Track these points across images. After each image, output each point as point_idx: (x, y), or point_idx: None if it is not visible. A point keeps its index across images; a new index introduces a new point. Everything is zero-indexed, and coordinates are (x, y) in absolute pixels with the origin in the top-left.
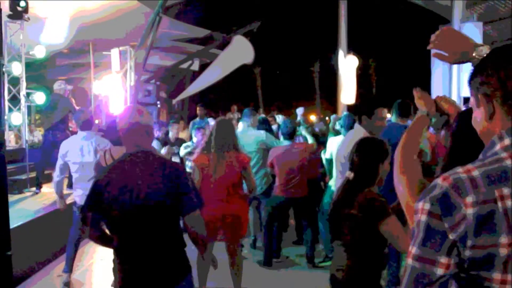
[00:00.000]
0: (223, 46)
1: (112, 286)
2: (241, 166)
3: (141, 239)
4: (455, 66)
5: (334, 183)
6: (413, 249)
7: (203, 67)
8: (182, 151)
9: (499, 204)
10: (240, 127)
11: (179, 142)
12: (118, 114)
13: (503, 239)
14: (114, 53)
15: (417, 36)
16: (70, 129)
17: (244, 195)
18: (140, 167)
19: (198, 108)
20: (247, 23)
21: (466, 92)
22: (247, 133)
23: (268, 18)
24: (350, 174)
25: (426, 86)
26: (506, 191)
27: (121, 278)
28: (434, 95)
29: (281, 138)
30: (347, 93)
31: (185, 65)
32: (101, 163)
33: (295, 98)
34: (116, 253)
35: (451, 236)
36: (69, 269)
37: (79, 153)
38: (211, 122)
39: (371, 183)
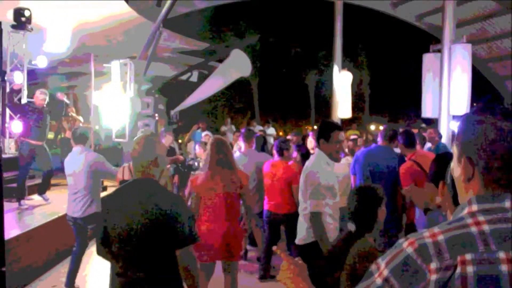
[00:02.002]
0: (221, 59)
1: None
2: (239, 185)
3: (137, 268)
4: (445, 85)
5: None
6: None
7: (202, 78)
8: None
9: (459, 269)
10: (239, 144)
11: (170, 153)
12: (135, 141)
13: None
14: (115, 65)
15: (409, 54)
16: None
17: (240, 214)
18: (139, 197)
19: (200, 123)
20: (245, 37)
21: (455, 110)
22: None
23: (266, 33)
24: (352, 227)
25: (417, 103)
26: (468, 257)
27: None
28: (425, 113)
29: (275, 155)
30: (343, 108)
31: (184, 77)
32: (119, 176)
33: (291, 110)
34: (115, 276)
35: None
36: (69, 283)
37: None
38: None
39: (370, 229)
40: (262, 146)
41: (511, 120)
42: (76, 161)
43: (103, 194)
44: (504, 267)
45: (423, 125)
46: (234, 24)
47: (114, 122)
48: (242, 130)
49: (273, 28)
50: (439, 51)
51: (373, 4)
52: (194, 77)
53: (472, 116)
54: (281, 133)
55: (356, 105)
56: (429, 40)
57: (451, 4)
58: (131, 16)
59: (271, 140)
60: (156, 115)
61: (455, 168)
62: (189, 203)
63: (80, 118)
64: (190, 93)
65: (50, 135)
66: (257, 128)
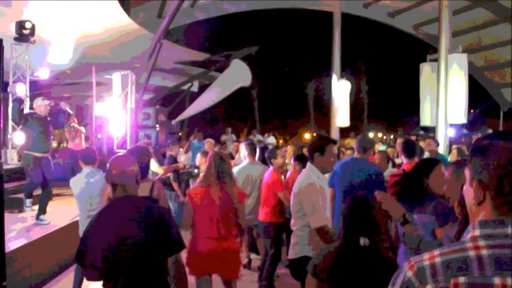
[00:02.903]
0: (222, 69)
1: None
2: (237, 200)
3: (127, 282)
4: (442, 94)
5: None
6: None
7: (203, 88)
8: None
9: None
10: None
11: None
12: (110, 161)
13: None
14: (116, 77)
15: (407, 62)
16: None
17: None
18: (126, 212)
19: (195, 133)
20: (245, 47)
21: (452, 118)
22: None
23: (266, 43)
24: (365, 241)
25: (415, 111)
26: (462, 279)
27: None
28: (423, 122)
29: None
30: (341, 116)
31: (185, 86)
32: (110, 195)
33: (291, 118)
34: None
35: None
36: None
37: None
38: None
39: (366, 235)
40: (263, 156)
41: None
42: (91, 184)
43: None
44: None
45: (421, 132)
46: (234, 34)
47: (116, 132)
48: (244, 143)
49: (273, 38)
50: (436, 60)
51: (371, 14)
52: (195, 87)
53: (483, 139)
54: (281, 141)
55: (355, 113)
56: (426, 49)
57: (447, 14)
58: (132, 28)
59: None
60: (157, 125)
61: (467, 191)
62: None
63: (82, 128)
64: (191, 103)
65: (54, 144)
66: (256, 138)
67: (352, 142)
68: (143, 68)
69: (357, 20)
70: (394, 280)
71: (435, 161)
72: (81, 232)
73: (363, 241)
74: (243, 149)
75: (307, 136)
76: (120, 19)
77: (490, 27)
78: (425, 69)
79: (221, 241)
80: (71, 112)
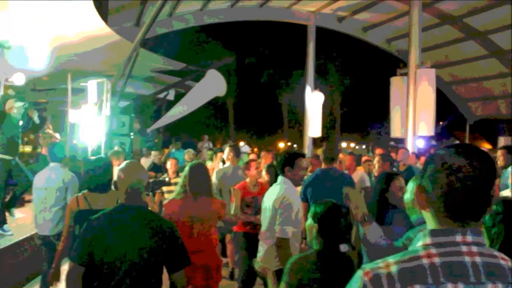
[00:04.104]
0: (198, 78)
1: None
2: (215, 214)
3: None
4: (411, 107)
5: None
6: None
7: (178, 97)
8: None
9: None
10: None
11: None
12: (122, 168)
13: None
14: (91, 84)
15: (379, 76)
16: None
17: (216, 243)
18: (132, 222)
19: (174, 142)
20: (222, 57)
21: (420, 131)
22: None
23: (242, 54)
24: (345, 248)
25: (385, 123)
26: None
27: None
28: (393, 133)
29: None
30: (313, 127)
31: (161, 95)
32: (72, 206)
33: (265, 127)
34: None
35: None
36: None
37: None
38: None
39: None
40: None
41: (463, 157)
42: (53, 177)
43: None
44: None
45: (392, 143)
46: (211, 45)
47: (90, 140)
48: (230, 146)
49: (248, 49)
50: (406, 74)
51: (344, 28)
52: (171, 96)
53: (432, 152)
54: (255, 149)
55: (328, 124)
56: (397, 63)
57: (416, 30)
58: (109, 36)
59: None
60: (132, 133)
61: (417, 200)
62: None
63: (57, 135)
64: (166, 112)
65: (28, 149)
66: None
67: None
68: (119, 76)
69: (331, 34)
70: (349, 285)
71: (392, 175)
72: (38, 227)
73: (343, 247)
74: (227, 151)
75: (281, 145)
76: (97, 27)
77: (457, 43)
78: (395, 82)
79: (200, 255)
80: (36, 119)
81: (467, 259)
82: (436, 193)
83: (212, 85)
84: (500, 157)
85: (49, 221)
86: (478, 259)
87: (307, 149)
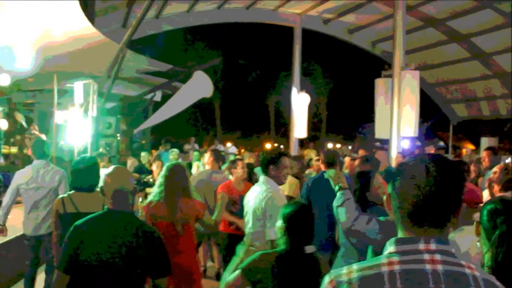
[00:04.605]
0: (184, 79)
1: None
2: (194, 215)
3: None
4: (395, 108)
5: None
6: None
7: (165, 98)
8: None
9: None
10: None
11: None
12: (108, 173)
13: None
14: (78, 86)
15: (365, 77)
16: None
17: (195, 245)
18: (118, 228)
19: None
20: (209, 59)
21: (404, 131)
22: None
23: (228, 55)
24: (311, 249)
25: (370, 124)
26: None
27: None
28: (377, 134)
29: None
30: (299, 128)
31: (148, 96)
32: (58, 209)
33: (252, 129)
34: None
35: None
36: None
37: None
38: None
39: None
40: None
41: (423, 165)
42: (41, 175)
43: None
44: None
45: (377, 143)
46: (198, 46)
47: (76, 141)
48: (211, 150)
49: (235, 50)
50: (390, 76)
51: (330, 30)
52: (158, 97)
53: (401, 162)
54: (242, 150)
55: (315, 125)
56: (382, 65)
57: (401, 33)
58: (95, 36)
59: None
60: (118, 134)
61: (386, 205)
62: None
63: (43, 136)
64: (153, 113)
65: (14, 150)
66: (217, 148)
67: (311, 152)
68: (106, 77)
69: (317, 36)
70: None
71: (370, 173)
72: (27, 227)
73: (309, 248)
74: (207, 156)
75: (268, 146)
76: (83, 27)
77: (440, 46)
78: (380, 84)
79: (178, 256)
80: (24, 123)
81: (428, 267)
82: (399, 201)
83: (199, 86)
84: (485, 158)
85: (41, 221)
86: (440, 267)
87: (294, 150)
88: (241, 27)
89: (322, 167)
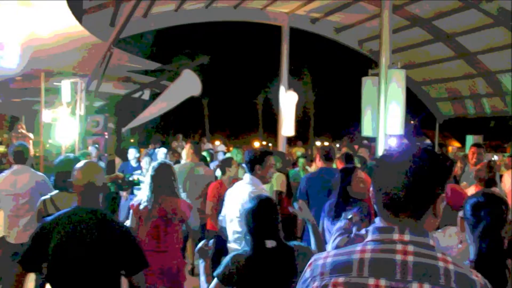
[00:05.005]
0: (173, 78)
1: None
2: (178, 216)
3: None
4: (382, 107)
5: None
6: None
7: (154, 96)
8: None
9: None
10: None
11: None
12: (78, 168)
13: None
14: (65, 84)
15: (352, 76)
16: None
17: (181, 243)
18: (86, 225)
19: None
20: (196, 57)
21: (390, 130)
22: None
23: (217, 54)
24: (272, 243)
25: (358, 122)
26: (341, 279)
27: None
28: (364, 133)
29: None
30: (287, 126)
31: (136, 95)
32: (42, 212)
33: (241, 127)
34: None
35: None
36: None
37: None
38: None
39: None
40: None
41: (401, 155)
42: (19, 181)
43: None
44: None
45: (365, 141)
46: (185, 44)
47: (64, 140)
48: (190, 143)
49: (223, 49)
50: (377, 74)
51: (318, 29)
52: (146, 95)
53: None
54: (231, 148)
55: (302, 123)
56: (369, 64)
57: (387, 32)
58: (83, 35)
59: (219, 156)
60: (106, 133)
61: (371, 195)
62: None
63: (30, 134)
64: (141, 111)
65: (1, 149)
66: (206, 146)
67: (300, 150)
68: (94, 76)
69: (304, 35)
70: (301, 275)
71: (351, 169)
72: (15, 239)
73: (270, 243)
74: (186, 148)
75: (256, 144)
76: (70, 25)
77: (426, 45)
78: (367, 82)
79: (164, 255)
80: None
81: (398, 257)
82: (376, 190)
83: (187, 85)
84: (474, 154)
85: (22, 228)
86: (410, 258)
87: (282, 148)
88: (229, 26)
89: (319, 163)
